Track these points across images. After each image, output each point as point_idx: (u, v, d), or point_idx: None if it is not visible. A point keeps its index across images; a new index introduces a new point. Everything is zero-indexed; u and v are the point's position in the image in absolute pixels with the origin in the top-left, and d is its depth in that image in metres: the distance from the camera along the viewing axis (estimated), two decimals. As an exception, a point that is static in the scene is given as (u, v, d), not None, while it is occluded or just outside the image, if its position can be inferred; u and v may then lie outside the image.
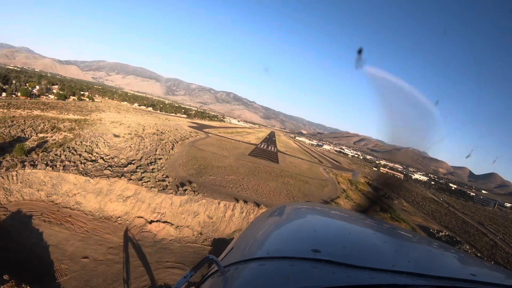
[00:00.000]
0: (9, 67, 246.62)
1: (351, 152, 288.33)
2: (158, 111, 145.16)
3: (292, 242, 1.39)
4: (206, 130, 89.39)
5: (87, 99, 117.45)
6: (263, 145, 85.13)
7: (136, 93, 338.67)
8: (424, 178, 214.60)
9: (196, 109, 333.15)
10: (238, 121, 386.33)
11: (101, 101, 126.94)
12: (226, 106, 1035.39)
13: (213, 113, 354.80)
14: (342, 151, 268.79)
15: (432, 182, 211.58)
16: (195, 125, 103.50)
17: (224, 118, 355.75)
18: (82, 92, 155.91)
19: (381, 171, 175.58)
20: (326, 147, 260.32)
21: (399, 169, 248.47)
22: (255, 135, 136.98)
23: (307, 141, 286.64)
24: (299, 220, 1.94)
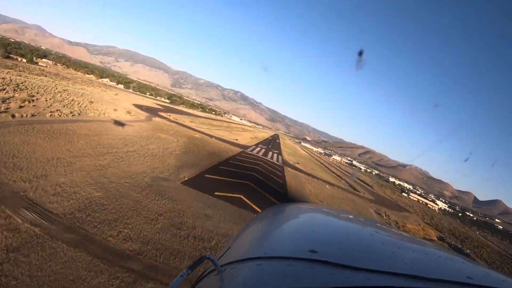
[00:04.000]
0: (12, 40, 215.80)
1: (362, 166, 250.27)
2: (130, 90, 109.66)
3: (290, 242, 1.35)
4: (165, 114, 52.49)
5: (23, 60, 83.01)
6: (258, 149, 48.17)
7: (140, 81, 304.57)
8: (444, 205, 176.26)
9: (198, 103, 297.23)
10: (241, 119, 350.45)
11: (46, 66, 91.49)
12: (232, 104, 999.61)
13: (213, 109, 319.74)
14: (355, 164, 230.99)
15: (460, 214, 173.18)
16: (159, 107, 66.81)
17: (225, 114, 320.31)
18: (44, 59, 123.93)
19: (412, 198, 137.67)
20: (335, 157, 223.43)
21: (418, 193, 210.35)
22: (253, 133, 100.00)
23: (314, 148, 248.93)
24: (296, 220, 1.89)
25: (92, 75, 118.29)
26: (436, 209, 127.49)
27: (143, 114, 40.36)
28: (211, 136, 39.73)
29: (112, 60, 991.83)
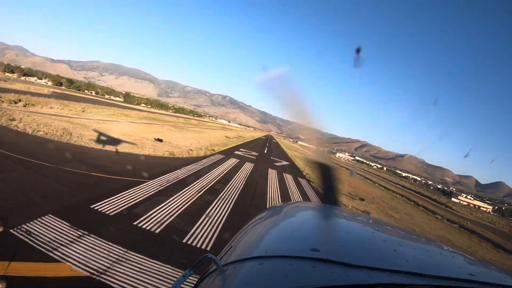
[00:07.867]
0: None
1: (370, 162, 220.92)
2: (73, 90, 79.18)
3: (291, 241, 1.32)
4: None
5: None
6: (233, 163, 16.62)
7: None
8: (477, 201, 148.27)
9: (177, 107, 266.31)
10: (229, 122, 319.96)
11: None
12: (221, 109, 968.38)
13: (196, 112, 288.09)
14: (362, 160, 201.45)
15: (496, 207, 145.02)
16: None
17: (211, 117, 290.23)
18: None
19: (461, 201, 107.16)
20: (340, 155, 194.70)
21: (469, 194, 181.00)
22: (237, 133, 68.73)
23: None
24: (298, 219, 1.86)
25: (15, 74, 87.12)
26: (490, 210, 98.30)
27: None
28: None
29: (96, 75, 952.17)
